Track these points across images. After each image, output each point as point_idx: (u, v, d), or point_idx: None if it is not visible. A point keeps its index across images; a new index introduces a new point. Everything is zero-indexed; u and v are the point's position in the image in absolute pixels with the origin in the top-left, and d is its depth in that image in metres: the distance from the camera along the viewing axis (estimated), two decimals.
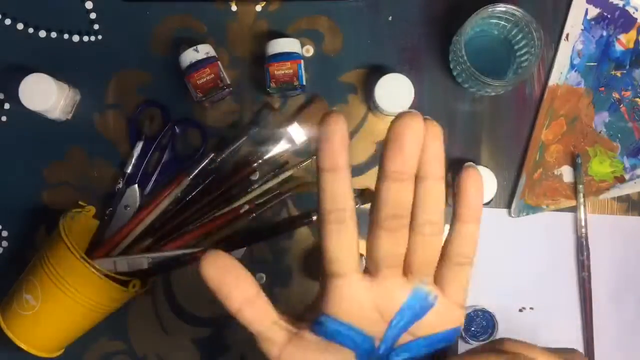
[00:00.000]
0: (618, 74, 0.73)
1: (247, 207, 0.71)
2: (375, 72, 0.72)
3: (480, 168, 0.68)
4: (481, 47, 0.70)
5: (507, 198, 0.74)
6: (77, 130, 0.74)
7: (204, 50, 0.69)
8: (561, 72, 0.73)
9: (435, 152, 0.33)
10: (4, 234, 0.74)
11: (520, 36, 0.68)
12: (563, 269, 0.74)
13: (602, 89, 0.73)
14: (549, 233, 0.74)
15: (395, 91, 0.68)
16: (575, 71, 0.73)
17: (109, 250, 0.70)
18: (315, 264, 0.71)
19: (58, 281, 0.64)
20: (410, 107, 0.69)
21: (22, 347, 0.65)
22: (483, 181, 0.35)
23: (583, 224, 0.72)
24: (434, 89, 0.74)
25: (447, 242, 0.36)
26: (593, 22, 0.73)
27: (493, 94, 0.72)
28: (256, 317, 0.35)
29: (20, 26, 0.74)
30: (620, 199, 0.74)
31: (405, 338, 0.36)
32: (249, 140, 0.73)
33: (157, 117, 0.74)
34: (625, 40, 0.73)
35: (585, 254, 0.72)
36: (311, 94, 0.74)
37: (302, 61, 0.69)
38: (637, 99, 0.73)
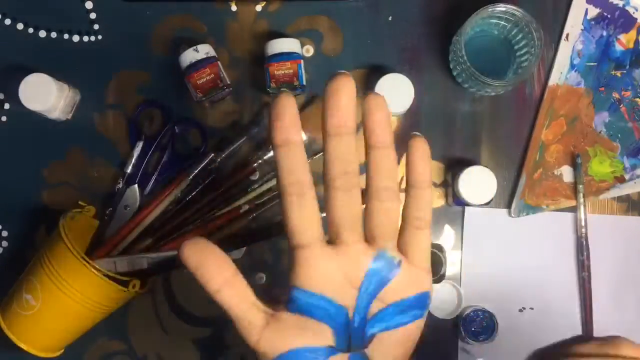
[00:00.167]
0: (618, 74, 0.73)
1: (247, 207, 0.71)
2: (375, 72, 0.72)
3: (480, 168, 0.68)
4: (481, 47, 0.70)
5: (507, 198, 0.74)
6: (77, 130, 0.74)
7: (204, 50, 0.69)
8: (561, 72, 0.73)
9: (381, 120, 0.35)
10: (4, 234, 0.74)
11: (520, 36, 0.68)
12: (563, 269, 0.74)
13: (602, 89, 0.73)
14: (549, 233, 0.74)
15: (395, 91, 0.68)
16: (575, 71, 0.73)
17: (109, 250, 0.70)
18: None
19: (58, 281, 0.64)
20: (410, 107, 0.69)
21: (22, 347, 0.65)
22: (428, 148, 0.38)
23: (583, 224, 0.72)
24: (434, 89, 0.74)
25: (405, 208, 0.38)
26: (593, 22, 0.73)
27: (493, 94, 0.72)
28: (234, 298, 0.36)
29: (20, 26, 0.74)
30: (620, 199, 0.74)
31: (376, 306, 0.37)
32: (249, 140, 0.73)
33: (157, 117, 0.74)
34: (625, 40, 0.73)
35: (585, 254, 0.72)
36: (311, 94, 0.74)
37: (302, 61, 0.69)
38: (637, 99, 0.73)
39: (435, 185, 0.74)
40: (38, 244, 0.74)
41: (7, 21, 0.74)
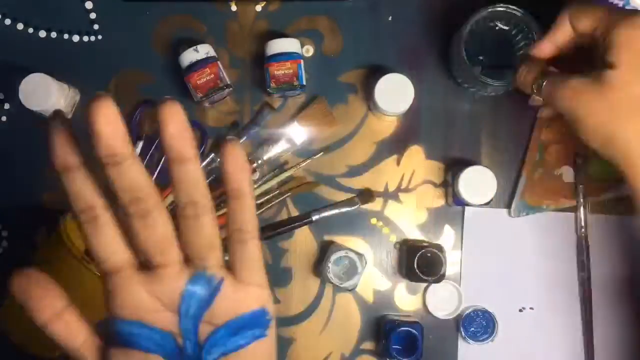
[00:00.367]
0: None
1: None
2: (375, 72, 0.72)
3: (480, 168, 0.68)
4: (481, 47, 0.70)
5: (507, 198, 0.74)
6: (77, 130, 0.74)
7: (204, 50, 0.69)
8: None
9: (176, 132, 0.32)
10: (4, 234, 0.74)
11: (520, 36, 0.68)
12: (563, 269, 0.74)
13: None
14: (549, 233, 0.74)
15: (395, 91, 0.68)
16: None
17: None
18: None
19: (58, 281, 0.63)
20: (410, 107, 0.69)
21: (22, 347, 0.65)
22: (243, 153, 0.34)
23: (583, 224, 0.72)
24: (434, 89, 0.74)
25: (227, 222, 0.35)
26: None
27: (493, 94, 0.72)
28: (64, 333, 0.35)
29: (20, 26, 0.74)
30: (620, 199, 0.74)
31: (206, 330, 0.35)
32: (249, 140, 0.73)
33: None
34: None
35: (585, 254, 0.72)
36: (311, 94, 0.74)
37: (302, 61, 0.69)
38: None
39: (435, 185, 0.74)
40: (38, 244, 0.74)
41: (7, 21, 0.74)
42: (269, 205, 0.72)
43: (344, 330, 0.73)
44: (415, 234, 0.74)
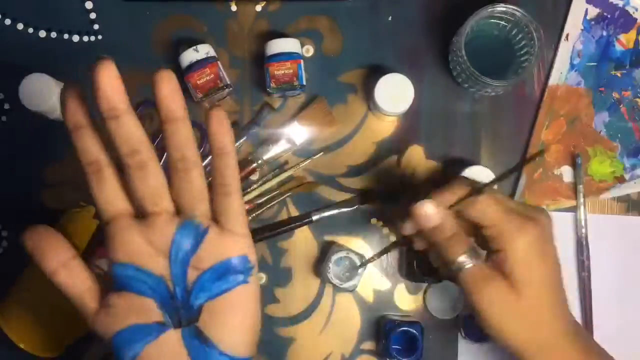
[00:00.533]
0: (618, 74, 0.73)
1: (247, 207, 0.71)
2: (375, 72, 0.72)
3: (480, 168, 0.68)
4: (481, 47, 0.70)
5: None
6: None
7: (204, 50, 0.69)
8: (561, 72, 0.73)
9: (168, 93, 0.37)
10: (4, 234, 0.74)
11: (520, 36, 0.68)
12: (563, 269, 0.74)
13: (602, 89, 0.73)
14: None
15: (395, 91, 0.68)
16: (575, 71, 0.73)
17: None
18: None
19: None
20: (410, 107, 0.69)
21: (22, 346, 0.65)
22: (227, 117, 0.39)
23: (583, 224, 0.72)
24: (434, 89, 0.74)
25: (212, 177, 0.40)
26: (593, 22, 0.73)
27: (493, 94, 0.72)
28: (69, 281, 0.39)
29: (20, 26, 0.74)
30: (620, 199, 0.74)
31: (193, 275, 0.38)
32: (249, 140, 0.74)
33: (157, 117, 0.74)
34: (625, 40, 0.73)
35: (585, 254, 0.72)
36: (311, 94, 0.74)
37: (302, 61, 0.69)
38: (637, 99, 0.73)
39: (435, 185, 0.74)
40: None
41: (7, 21, 0.74)
42: (269, 205, 0.72)
43: (344, 330, 0.73)
44: None
